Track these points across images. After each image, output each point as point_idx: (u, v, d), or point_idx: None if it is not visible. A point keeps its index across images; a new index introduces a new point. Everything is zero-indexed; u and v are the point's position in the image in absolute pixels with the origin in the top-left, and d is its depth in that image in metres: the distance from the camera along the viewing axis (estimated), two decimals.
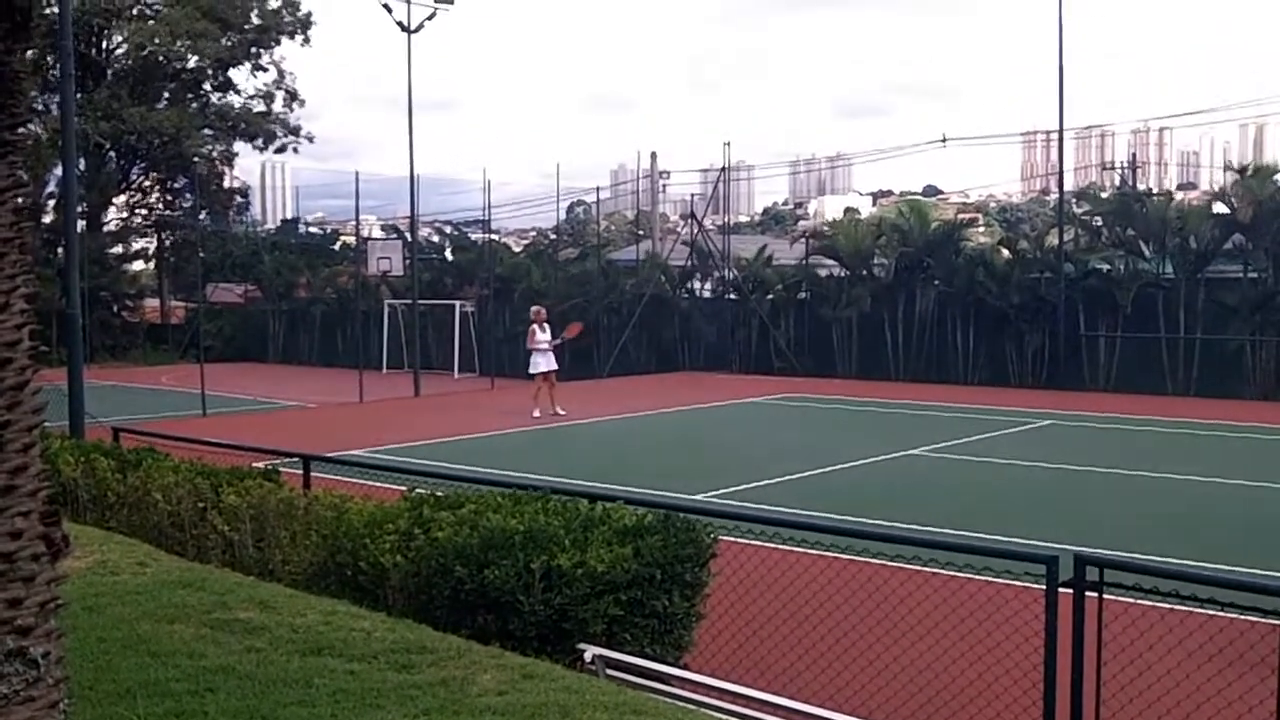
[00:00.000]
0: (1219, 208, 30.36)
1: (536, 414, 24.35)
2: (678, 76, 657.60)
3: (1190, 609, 6.15)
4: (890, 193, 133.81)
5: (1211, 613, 6.14)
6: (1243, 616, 6.14)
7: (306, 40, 49.81)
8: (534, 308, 26.52)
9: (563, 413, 24.54)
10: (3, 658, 3.21)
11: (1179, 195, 39.95)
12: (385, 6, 32.10)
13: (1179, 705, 6.68)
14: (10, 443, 3.25)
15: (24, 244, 3.37)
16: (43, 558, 3.32)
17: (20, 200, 3.35)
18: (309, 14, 49.73)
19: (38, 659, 3.26)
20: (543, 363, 25.06)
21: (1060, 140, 33.87)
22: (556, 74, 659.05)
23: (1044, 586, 6.02)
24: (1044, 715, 6.14)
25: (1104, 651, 6.05)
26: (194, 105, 49.90)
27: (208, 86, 50.90)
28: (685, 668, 6.91)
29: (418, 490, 8.48)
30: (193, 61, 48.98)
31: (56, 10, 18.49)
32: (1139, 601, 6.22)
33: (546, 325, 25.52)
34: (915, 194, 42.11)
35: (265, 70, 50.52)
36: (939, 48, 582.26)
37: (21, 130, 3.36)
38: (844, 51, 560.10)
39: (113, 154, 49.49)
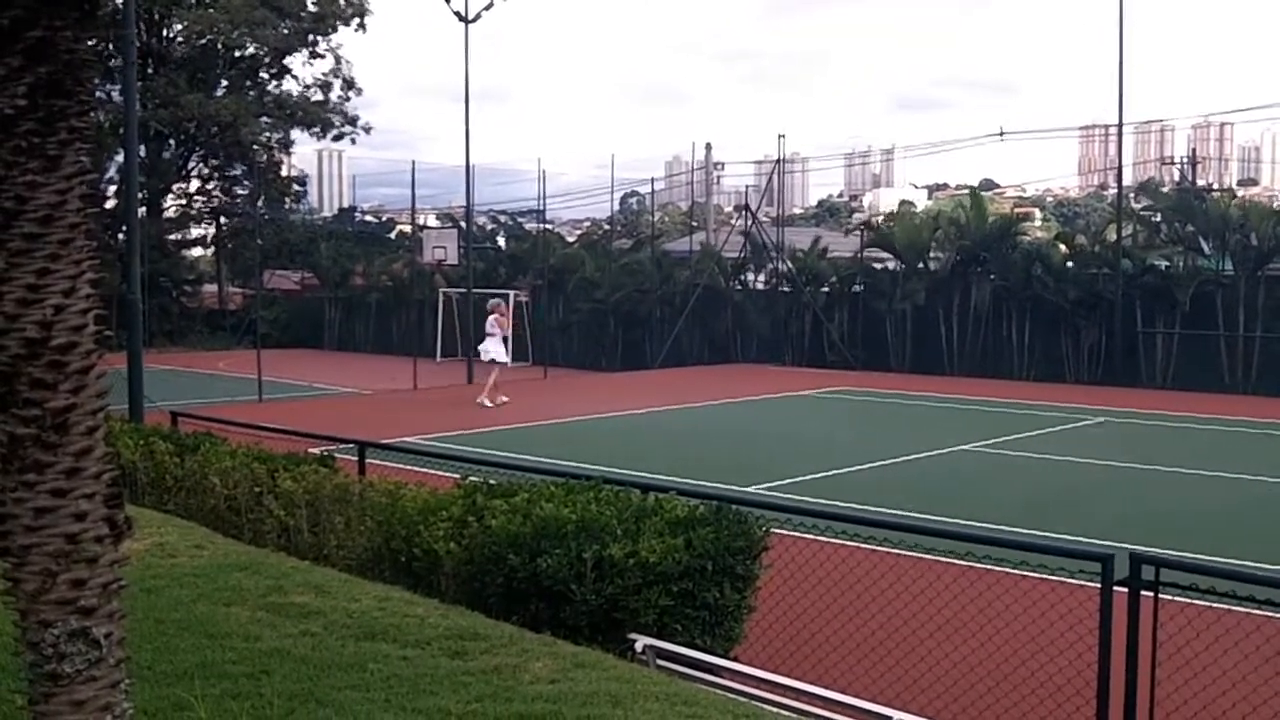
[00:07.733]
0: None
1: None
2: (731, 69, 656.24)
3: (1247, 610, 6.10)
4: (946, 186, 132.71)
5: (1269, 614, 6.08)
6: None
7: (363, 27, 49.93)
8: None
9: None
10: (66, 638, 3.26)
11: (1240, 191, 39.49)
12: None
13: (1234, 707, 6.60)
14: (75, 425, 3.29)
15: (89, 230, 3.42)
16: (106, 540, 3.37)
17: (86, 187, 3.39)
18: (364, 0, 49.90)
19: (100, 639, 3.32)
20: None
21: (1120, 135, 33.52)
22: (609, 66, 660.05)
23: (1099, 585, 5.97)
24: (1096, 715, 6.10)
25: (1158, 651, 5.99)
26: (251, 93, 50.21)
27: (265, 74, 51.21)
28: (735, 660, 6.91)
29: (471, 478, 8.52)
30: (251, 49, 49.31)
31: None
32: (1195, 601, 6.16)
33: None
34: (971, 188, 41.87)
35: (322, 58, 50.73)
36: (997, 41, 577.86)
37: (87, 118, 3.41)
38: (899, 45, 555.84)
39: (171, 141, 49.95)
